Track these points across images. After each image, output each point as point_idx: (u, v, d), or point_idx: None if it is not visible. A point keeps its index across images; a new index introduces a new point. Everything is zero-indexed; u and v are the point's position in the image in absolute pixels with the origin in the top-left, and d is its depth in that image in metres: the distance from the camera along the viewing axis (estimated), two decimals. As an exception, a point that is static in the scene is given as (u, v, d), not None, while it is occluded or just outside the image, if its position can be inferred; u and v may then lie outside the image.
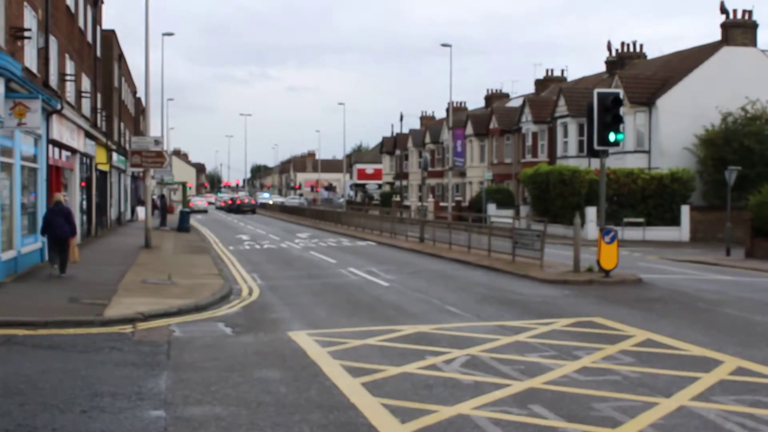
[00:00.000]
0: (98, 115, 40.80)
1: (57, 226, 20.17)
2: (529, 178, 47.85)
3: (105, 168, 42.42)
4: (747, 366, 10.93)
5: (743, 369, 10.76)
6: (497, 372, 10.49)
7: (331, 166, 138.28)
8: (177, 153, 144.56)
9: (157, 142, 32.18)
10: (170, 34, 51.15)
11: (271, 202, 78.00)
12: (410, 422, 8.15)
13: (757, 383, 9.99)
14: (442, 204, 68.99)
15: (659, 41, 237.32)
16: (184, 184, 65.08)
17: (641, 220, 42.35)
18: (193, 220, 52.64)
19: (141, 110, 74.33)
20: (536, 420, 8.24)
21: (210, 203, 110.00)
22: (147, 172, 34.85)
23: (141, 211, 54.79)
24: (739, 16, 48.40)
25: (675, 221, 42.99)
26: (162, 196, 56.18)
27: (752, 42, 48.55)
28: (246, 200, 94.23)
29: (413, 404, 8.83)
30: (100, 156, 39.93)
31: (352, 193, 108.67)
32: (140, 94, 72.82)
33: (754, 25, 48.63)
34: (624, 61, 57.89)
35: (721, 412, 8.56)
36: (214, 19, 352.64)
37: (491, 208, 55.17)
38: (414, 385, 9.79)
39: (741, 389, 9.64)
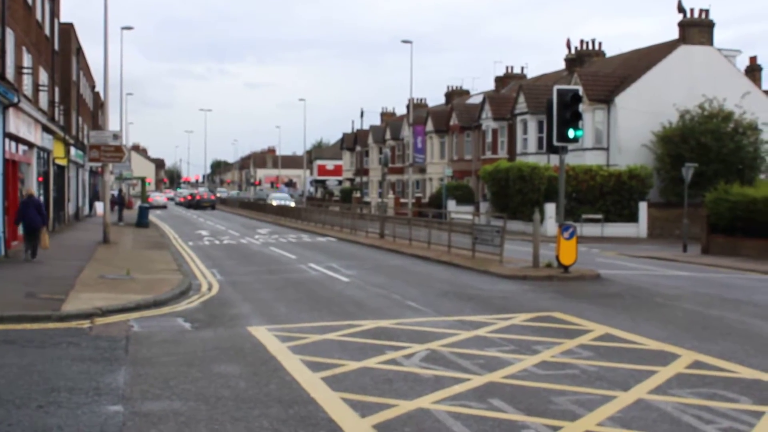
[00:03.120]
0: (56, 109, 40.28)
1: (30, 217, 22.78)
2: (489, 175, 48.08)
3: (63, 162, 41.90)
4: (703, 359, 11.08)
5: (700, 362, 10.91)
6: (457, 366, 10.52)
7: (291, 162, 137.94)
8: (136, 148, 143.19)
9: (116, 136, 31.83)
10: (129, 28, 50.56)
11: (292, 205, 66.54)
12: (370, 416, 8.15)
13: (713, 376, 10.13)
14: (402, 200, 69.09)
15: (618, 39, 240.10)
16: (143, 180, 64.60)
17: (600, 216, 42.74)
18: (153, 216, 52.28)
19: (99, 104, 73.49)
20: (496, 414, 8.28)
21: (169, 199, 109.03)
22: (105, 166, 34.44)
23: (99, 206, 54.26)
24: (696, 15, 49.01)
25: (633, 218, 43.46)
26: (120, 191, 55.64)
27: (709, 41, 49.17)
28: (206, 196, 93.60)
29: (373, 399, 8.83)
30: (58, 150, 39.43)
31: (312, 189, 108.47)
32: (99, 88, 71.99)
33: (710, 24, 49.26)
34: (583, 59, 58.47)
35: (678, 405, 8.67)
36: (171, 13, 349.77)
37: (451, 205, 55.34)
38: (374, 379, 9.80)
39: (697, 382, 9.78)
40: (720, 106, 45.59)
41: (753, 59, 56.87)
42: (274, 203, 67.66)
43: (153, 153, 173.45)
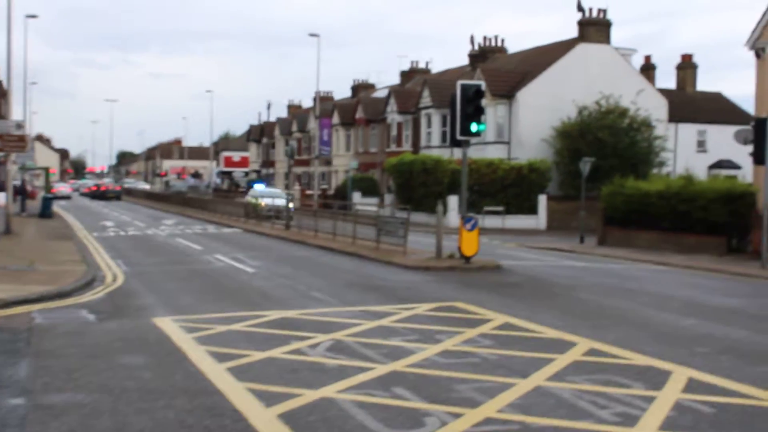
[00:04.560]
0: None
1: None
2: (394, 168, 48.46)
3: (-40, 152, 40.40)
4: (599, 347, 11.44)
5: (595, 350, 11.26)
6: (361, 356, 10.62)
7: (198, 153, 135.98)
8: (40, 138, 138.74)
9: (20, 126, 30.93)
10: (34, 17, 49.00)
11: (289, 205, 41.91)
12: (275, 406, 8.18)
13: (608, 363, 10.46)
14: (308, 192, 68.98)
15: (519, 36, 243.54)
16: (46, 170, 62.73)
17: (501, 208, 43.50)
18: (57, 207, 50.94)
19: (2, 94, 71.00)
20: (399, 402, 8.41)
21: (74, 189, 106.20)
22: (8, 156, 33.50)
23: (1, 196, 52.48)
24: (594, 14, 50.34)
25: (533, 210, 44.41)
26: (23, 181, 53.96)
27: (606, 39, 50.58)
28: (111, 186, 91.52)
29: (278, 388, 8.87)
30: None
31: (218, 180, 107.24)
32: (1, 77, 69.54)
33: (608, 24, 50.66)
34: (486, 55, 59.32)
35: (574, 391, 8.92)
36: (74, 1, 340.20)
37: (356, 197, 55.53)
38: (279, 369, 9.82)
39: (593, 369, 10.08)
40: (616, 102, 46.95)
41: (647, 58, 58.70)
42: (263, 203, 44.32)
43: (57, 143, 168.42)
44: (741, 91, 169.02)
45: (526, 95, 48.58)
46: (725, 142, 41.45)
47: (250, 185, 67.91)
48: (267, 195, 47.64)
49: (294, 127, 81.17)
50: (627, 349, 11.30)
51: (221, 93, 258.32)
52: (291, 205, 39.70)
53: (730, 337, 12.75)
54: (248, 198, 49.13)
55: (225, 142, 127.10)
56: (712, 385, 9.41)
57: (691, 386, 9.31)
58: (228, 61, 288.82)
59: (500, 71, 51.36)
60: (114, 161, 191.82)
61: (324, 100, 78.02)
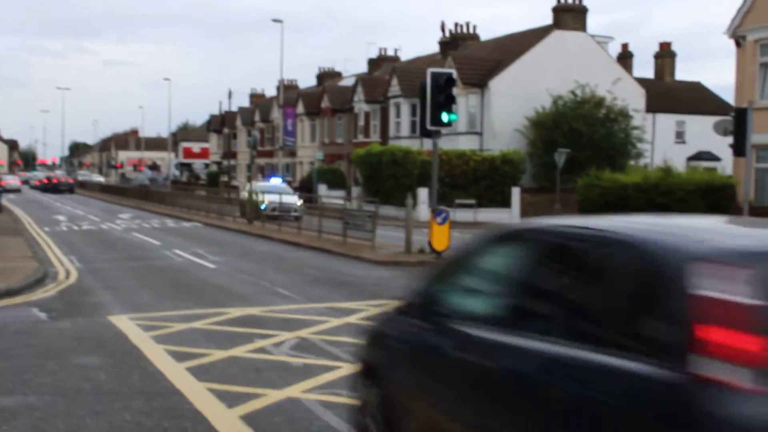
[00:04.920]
0: None
1: None
2: (361, 159, 47.73)
3: None
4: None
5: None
6: (328, 354, 10.36)
7: (155, 144, 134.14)
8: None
9: (-36, 115, 30.05)
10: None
11: (297, 202, 38.06)
12: (238, 407, 7.96)
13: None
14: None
15: (491, 22, 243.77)
16: (-6, 162, 61.58)
17: (473, 201, 42.81)
18: (5, 200, 49.83)
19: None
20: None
21: (24, 182, 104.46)
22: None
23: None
24: (570, 0, 49.37)
25: (506, 203, 43.58)
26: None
27: (582, 27, 49.64)
28: (63, 179, 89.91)
29: (241, 388, 8.64)
30: None
31: (177, 172, 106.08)
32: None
33: (583, 10, 49.73)
34: (458, 42, 58.42)
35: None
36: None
37: (322, 189, 54.80)
38: (242, 369, 9.59)
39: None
40: (592, 92, 46.00)
41: (625, 46, 58.29)
42: (266, 200, 36.44)
43: (6, 134, 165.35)
44: (721, 80, 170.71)
45: (499, 84, 47.82)
46: (704, 133, 41.15)
47: (267, 179, 54.15)
48: (272, 190, 38.53)
49: (257, 117, 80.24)
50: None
51: (180, 81, 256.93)
52: (300, 203, 36.01)
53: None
54: (244, 194, 40.28)
55: (184, 133, 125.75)
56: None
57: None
58: (187, 48, 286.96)
59: (472, 59, 50.55)
60: (66, 152, 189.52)
61: (288, 88, 77.05)
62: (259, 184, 40.92)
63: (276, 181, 43.69)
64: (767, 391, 3.50)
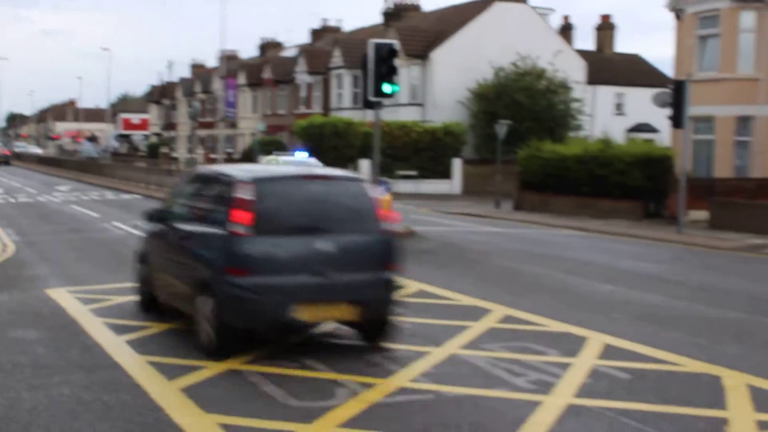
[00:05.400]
0: None
1: None
2: (303, 130, 47.35)
3: None
4: (514, 314, 11.36)
5: (511, 317, 11.19)
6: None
7: (94, 115, 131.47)
8: None
9: None
10: None
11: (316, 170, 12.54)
12: (178, 379, 7.96)
13: (523, 330, 10.44)
14: (212, 156, 67.53)
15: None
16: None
17: (415, 173, 42.80)
18: (-62, 173, 48.76)
19: None
20: (311, 373, 8.25)
21: None
22: None
23: None
24: (511, -28, 49.62)
25: (448, 174, 43.89)
26: None
27: (523, -2, 49.74)
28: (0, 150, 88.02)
29: (182, 361, 8.64)
30: None
31: (117, 143, 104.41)
32: None
33: (524, -18, 49.87)
34: (401, 13, 58.08)
35: (490, 359, 8.83)
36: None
37: (264, 160, 54.52)
38: (182, 340, 9.55)
39: (509, 336, 10.03)
40: (533, 63, 46.26)
41: (566, 18, 58.36)
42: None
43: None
44: (660, 53, 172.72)
45: (441, 55, 47.70)
46: (644, 105, 41.65)
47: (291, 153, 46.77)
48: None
49: (197, 88, 79.10)
50: (542, 316, 11.26)
51: (119, 52, 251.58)
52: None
53: (647, 302, 12.87)
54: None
55: (123, 104, 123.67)
56: (628, 351, 9.44)
57: (607, 352, 9.34)
58: (126, 17, 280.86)
59: (415, 30, 50.27)
60: (3, 124, 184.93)
61: (229, 59, 75.81)
62: (282, 158, 34.10)
63: (302, 156, 34.98)
64: (253, 236, 8.51)
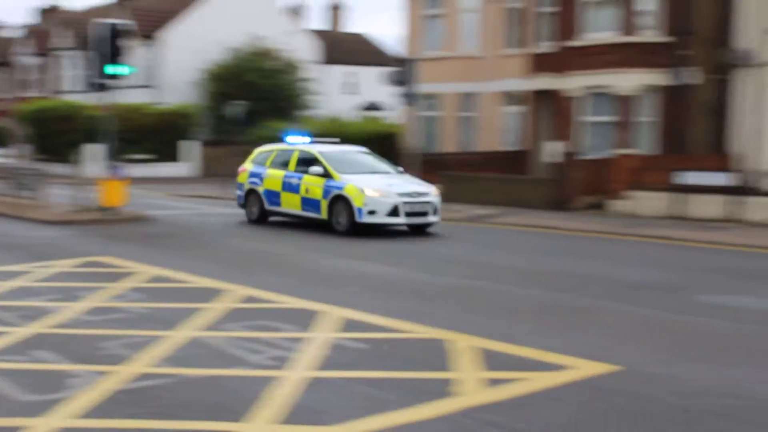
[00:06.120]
0: None
1: None
2: (29, 115, 45.00)
3: None
4: (253, 293, 11.39)
5: (250, 296, 11.21)
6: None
7: None
8: None
9: None
10: None
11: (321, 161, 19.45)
12: None
13: (263, 308, 10.48)
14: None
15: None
16: None
17: (149, 156, 41.83)
18: None
19: None
20: (42, 365, 7.85)
21: None
22: None
23: None
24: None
25: (183, 157, 43.43)
26: None
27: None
28: None
29: None
30: None
31: None
32: None
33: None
34: (134, -8, 56.42)
35: (229, 339, 8.83)
36: None
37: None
38: None
39: (248, 316, 10.03)
40: (265, 44, 46.67)
41: (300, -3, 59.45)
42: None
43: None
44: (392, 32, 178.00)
45: (173, 36, 46.71)
46: (375, 84, 42.90)
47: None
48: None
49: None
50: (282, 294, 11.38)
51: None
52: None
53: (380, 275, 13.27)
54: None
55: None
56: (365, 322, 9.72)
57: (345, 325, 9.56)
58: None
59: (147, 10, 48.65)
60: None
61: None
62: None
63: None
64: None
